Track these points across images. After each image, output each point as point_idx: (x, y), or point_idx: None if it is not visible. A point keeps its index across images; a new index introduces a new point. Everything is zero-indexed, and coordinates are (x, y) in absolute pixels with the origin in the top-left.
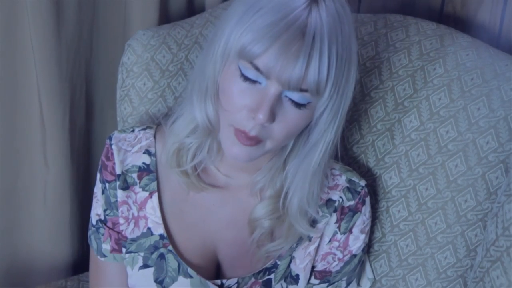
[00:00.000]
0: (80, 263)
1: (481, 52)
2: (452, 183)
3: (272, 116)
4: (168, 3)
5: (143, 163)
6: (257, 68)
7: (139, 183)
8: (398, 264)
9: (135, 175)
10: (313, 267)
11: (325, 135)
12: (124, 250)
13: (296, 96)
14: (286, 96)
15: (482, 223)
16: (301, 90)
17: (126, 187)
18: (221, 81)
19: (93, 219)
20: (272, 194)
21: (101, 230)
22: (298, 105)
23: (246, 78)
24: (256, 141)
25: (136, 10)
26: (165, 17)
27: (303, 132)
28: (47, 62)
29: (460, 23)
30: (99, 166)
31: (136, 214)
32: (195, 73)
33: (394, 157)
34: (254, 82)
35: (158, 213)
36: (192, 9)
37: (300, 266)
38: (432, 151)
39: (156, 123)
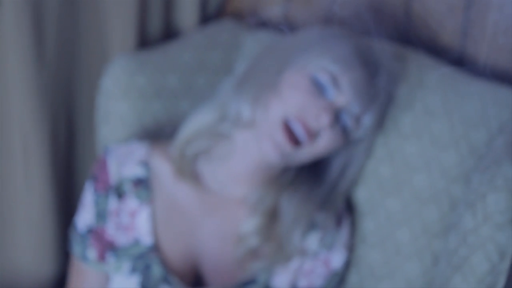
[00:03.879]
0: (64, 280)
1: (443, 73)
2: (417, 197)
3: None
4: (146, 28)
5: (138, 174)
6: (336, 83)
7: (133, 193)
8: (368, 276)
9: (129, 186)
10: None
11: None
12: (109, 258)
13: (349, 121)
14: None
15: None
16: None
17: (120, 197)
18: (289, 77)
19: (80, 226)
20: (263, 210)
21: (88, 237)
22: (345, 130)
23: (315, 83)
24: (308, 138)
25: (115, 35)
26: (143, 41)
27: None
28: (28, 90)
29: (423, 45)
30: (92, 176)
31: (127, 223)
32: (254, 72)
33: (362, 172)
34: (319, 89)
35: (148, 223)
36: (169, 34)
37: (281, 282)
38: (398, 166)
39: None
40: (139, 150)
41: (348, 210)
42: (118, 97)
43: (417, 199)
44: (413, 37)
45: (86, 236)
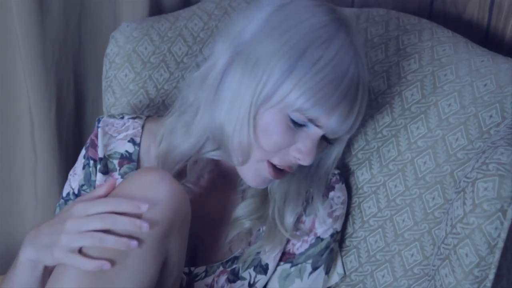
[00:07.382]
0: None
1: (459, 48)
2: (420, 180)
3: None
4: None
5: (126, 151)
6: (314, 123)
7: (119, 170)
8: (367, 260)
9: (116, 162)
10: None
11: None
12: None
13: (331, 138)
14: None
15: None
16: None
17: (106, 172)
18: (263, 119)
19: (65, 191)
20: (254, 193)
21: (70, 203)
22: (329, 141)
23: (294, 122)
24: (290, 170)
25: (126, 3)
26: (158, 11)
27: None
28: (32, 55)
29: (449, 19)
30: (87, 144)
31: None
32: (232, 93)
33: (366, 153)
34: (300, 126)
35: None
36: (188, 4)
37: (271, 255)
38: (402, 148)
39: (146, 115)
40: (132, 126)
41: (338, 181)
42: (120, 65)
43: (420, 183)
44: (439, 11)
45: (69, 201)
